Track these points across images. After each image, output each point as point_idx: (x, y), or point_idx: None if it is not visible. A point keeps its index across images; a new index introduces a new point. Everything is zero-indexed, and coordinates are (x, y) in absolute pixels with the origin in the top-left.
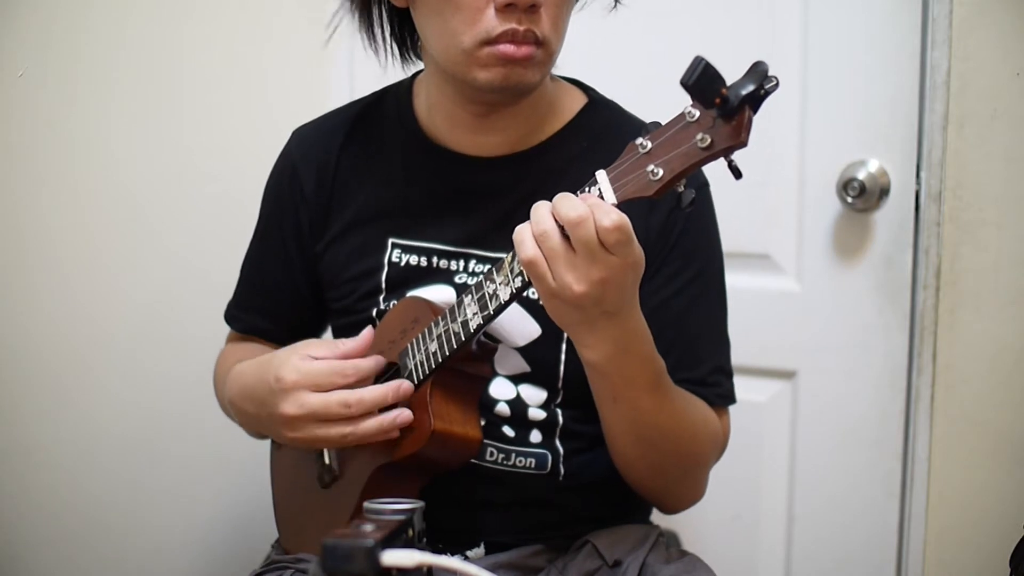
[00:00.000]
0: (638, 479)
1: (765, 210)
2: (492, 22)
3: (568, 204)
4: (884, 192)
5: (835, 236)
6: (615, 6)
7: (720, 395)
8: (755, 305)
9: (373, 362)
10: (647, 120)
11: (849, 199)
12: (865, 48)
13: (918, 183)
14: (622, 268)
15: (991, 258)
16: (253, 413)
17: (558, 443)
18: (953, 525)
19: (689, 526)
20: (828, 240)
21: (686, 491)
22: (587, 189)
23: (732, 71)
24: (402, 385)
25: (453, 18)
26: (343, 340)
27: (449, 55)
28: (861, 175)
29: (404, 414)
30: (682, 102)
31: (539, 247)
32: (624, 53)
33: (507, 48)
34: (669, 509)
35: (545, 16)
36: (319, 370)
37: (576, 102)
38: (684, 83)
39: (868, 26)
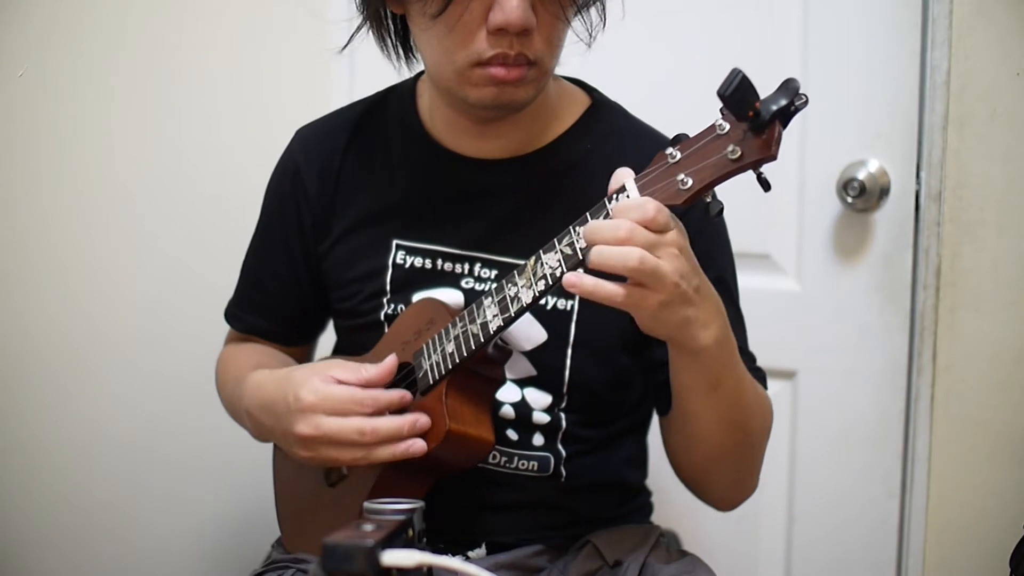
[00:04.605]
0: (714, 474)
1: (765, 210)
2: (483, 45)
3: (608, 228)
4: (884, 192)
5: (835, 236)
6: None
7: (761, 377)
8: (755, 305)
9: (397, 396)
10: (656, 123)
11: (849, 199)
12: (865, 48)
13: (918, 183)
14: (680, 234)
15: (991, 258)
16: (269, 427)
17: (560, 446)
18: (953, 525)
19: (689, 526)
20: (828, 240)
21: (752, 478)
22: (616, 197)
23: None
24: (419, 420)
25: (446, 37)
26: (366, 365)
27: (441, 72)
28: (861, 175)
29: (417, 444)
30: (681, 101)
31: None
32: (623, 52)
33: (498, 71)
34: (730, 504)
35: (538, 37)
36: (337, 396)
37: (580, 104)
38: (721, 93)
39: (868, 26)
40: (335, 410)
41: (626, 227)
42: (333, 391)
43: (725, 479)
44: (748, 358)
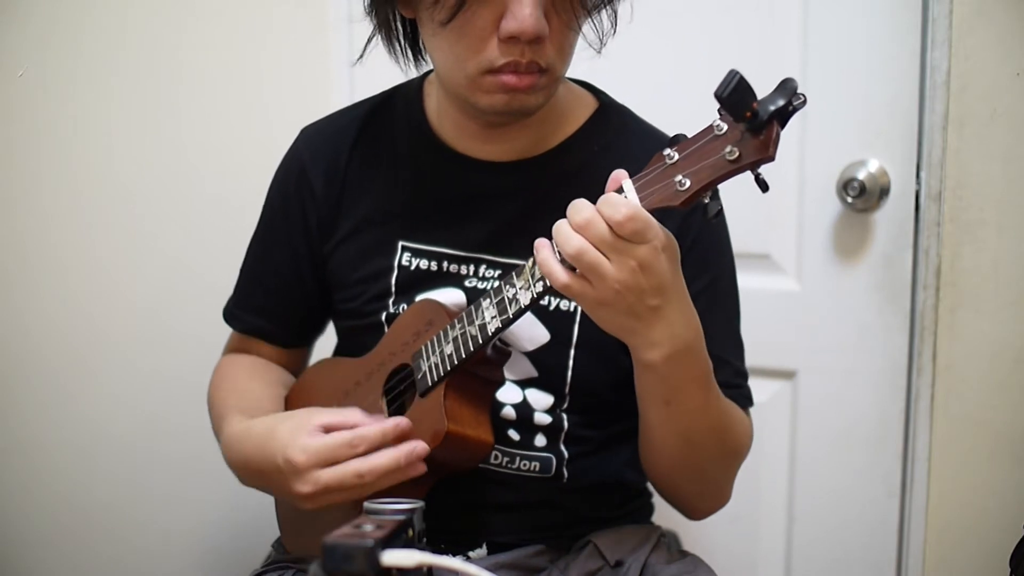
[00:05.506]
0: (675, 483)
1: (765, 210)
2: (495, 53)
3: (573, 210)
4: (884, 192)
5: (835, 236)
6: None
7: (744, 396)
8: (755, 305)
9: (391, 426)
10: (656, 124)
11: (849, 199)
12: (865, 48)
13: (918, 183)
14: (652, 252)
15: (991, 258)
16: (260, 485)
17: (562, 447)
18: (953, 525)
19: (689, 526)
20: (828, 240)
21: (720, 493)
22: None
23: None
24: (416, 447)
25: (457, 44)
26: (352, 409)
27: (452, 78)
28: (861, 175)
29: (418, 468)
30: (682, 102)
31: (570, 266)
32: (623, 53)
33: (509, 78)
34: (699, 514)
35: (550, 45)
36: (329, 445)
37: (587, 107)
38: (718, 95)
39: (868, 26)
40: (329, 460)
41: (587, 212)
42: (323, 442)
43: (686, 491)
44: (734, 374)
